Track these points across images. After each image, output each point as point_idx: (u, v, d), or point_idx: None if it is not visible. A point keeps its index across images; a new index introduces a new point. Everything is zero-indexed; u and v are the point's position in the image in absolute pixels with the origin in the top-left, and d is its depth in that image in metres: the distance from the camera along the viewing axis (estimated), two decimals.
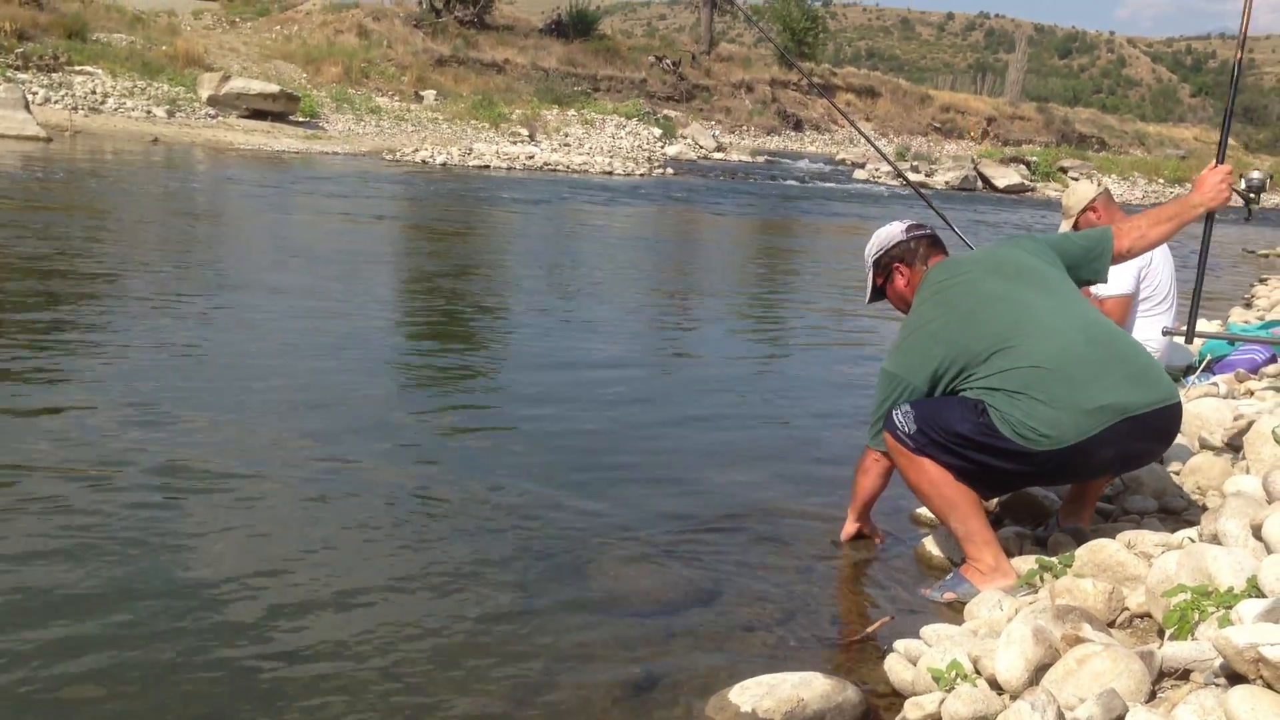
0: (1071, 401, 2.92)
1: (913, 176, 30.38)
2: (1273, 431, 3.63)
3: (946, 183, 29.62)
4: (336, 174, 17.35)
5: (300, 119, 25.01)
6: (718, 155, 33.21)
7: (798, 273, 11.77)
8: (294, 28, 34.99)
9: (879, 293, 3.58)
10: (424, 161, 21.58)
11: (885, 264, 3.52)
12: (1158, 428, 3.05)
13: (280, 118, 24.34)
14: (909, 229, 3.53)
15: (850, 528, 3.57)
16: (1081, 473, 3.23)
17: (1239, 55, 4.29)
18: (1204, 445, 4.17)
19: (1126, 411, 2.93)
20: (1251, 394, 4.91)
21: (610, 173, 23.65)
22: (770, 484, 4.19)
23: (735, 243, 14.63)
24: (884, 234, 3.55)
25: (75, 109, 21.68)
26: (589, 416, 4.93)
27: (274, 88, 24.78)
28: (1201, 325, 6.81)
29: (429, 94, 31.59)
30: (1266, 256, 16.68)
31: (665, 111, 37.86)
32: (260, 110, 24.08)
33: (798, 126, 44.77)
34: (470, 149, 23.81)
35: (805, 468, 4.46)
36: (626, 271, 10.30)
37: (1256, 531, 2.76)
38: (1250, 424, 3.94)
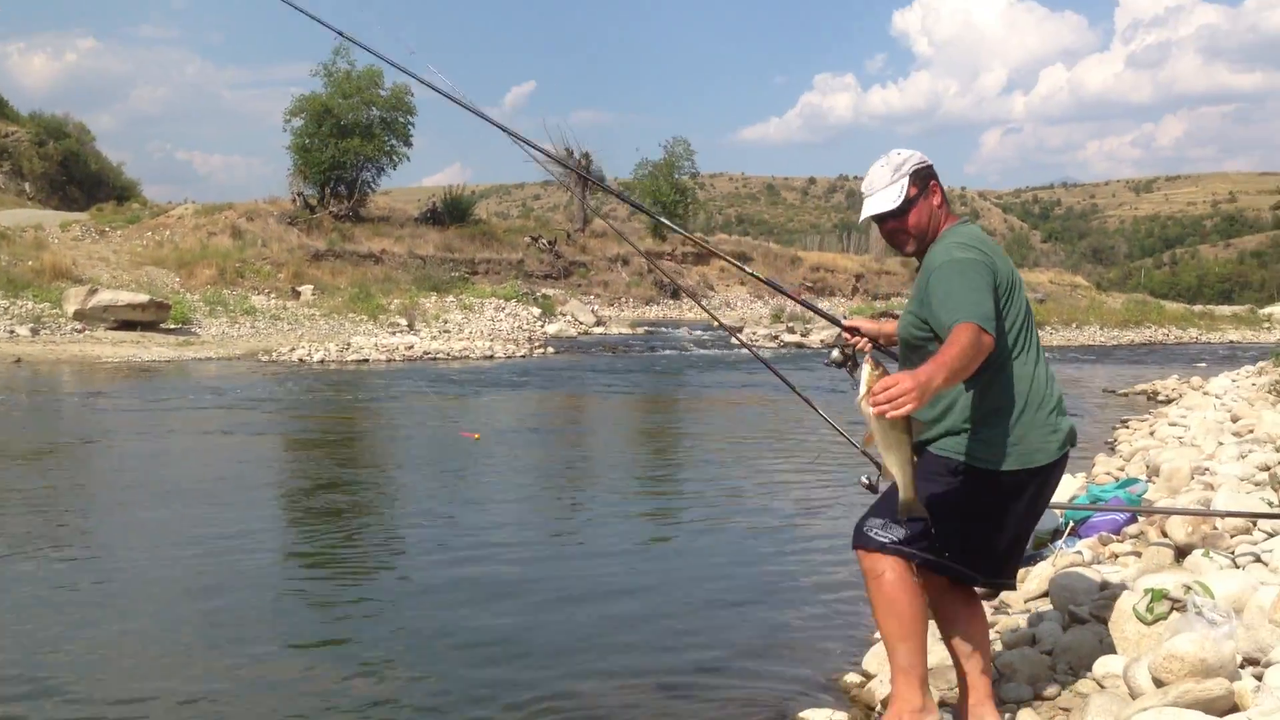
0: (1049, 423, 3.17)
1: (789, 337, 31.16)
2: (1134, 609, 3.67)
3: (822, 340, 30.36)
4: (210, 382, 17.03)
5: (172, 326, 24.66)
6: (598, 330, 33.63)
7: (684, 454, 11.81)
8: (166, 233, 34.81)
9: (908, 205, 3.23)
10: (301, 360, 21.37)
11: (925, 176, 3.27)
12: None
13: (151, 326, 23.96)
14: None
15: None
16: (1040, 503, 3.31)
17: None
18: (1073, 618, 4.20)
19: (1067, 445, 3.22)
20: (1116, 557, 5.01)
21: (491, 356, 23.73)
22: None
23: (620, 425, 14.68)
24: (905, 150, 3.30)
25: None
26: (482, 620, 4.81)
27: (143, 297, 24.46)
28: (1062, 483, 6.99)
29: (306, 289, 31.54)
30: (1127, 395, 17.31)
31: (544, 290, 38.37)
32: (129, 321, 23.69)
33: (675, 295, 45.76)
34: (348, 343, 23.70)
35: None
36: (510, 465, 10.19)
37: None
38: (1115, 597, 3.99)
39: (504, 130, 4.88)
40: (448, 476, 9.37)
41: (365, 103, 39.20)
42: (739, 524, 7.53)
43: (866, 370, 2.84)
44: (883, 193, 3.24)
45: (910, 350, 3.28)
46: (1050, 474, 3.23)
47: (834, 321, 4.05)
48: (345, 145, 38.06)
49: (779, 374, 4.78)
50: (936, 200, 3.27)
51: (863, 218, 3.32)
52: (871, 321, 3.89)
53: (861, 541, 3.25)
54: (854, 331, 3.81)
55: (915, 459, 3.01)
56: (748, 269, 5.01)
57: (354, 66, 38.72)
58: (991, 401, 3.14)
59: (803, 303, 4.89)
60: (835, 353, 3.95)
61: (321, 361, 21.37)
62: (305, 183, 39.05)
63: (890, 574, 3.16)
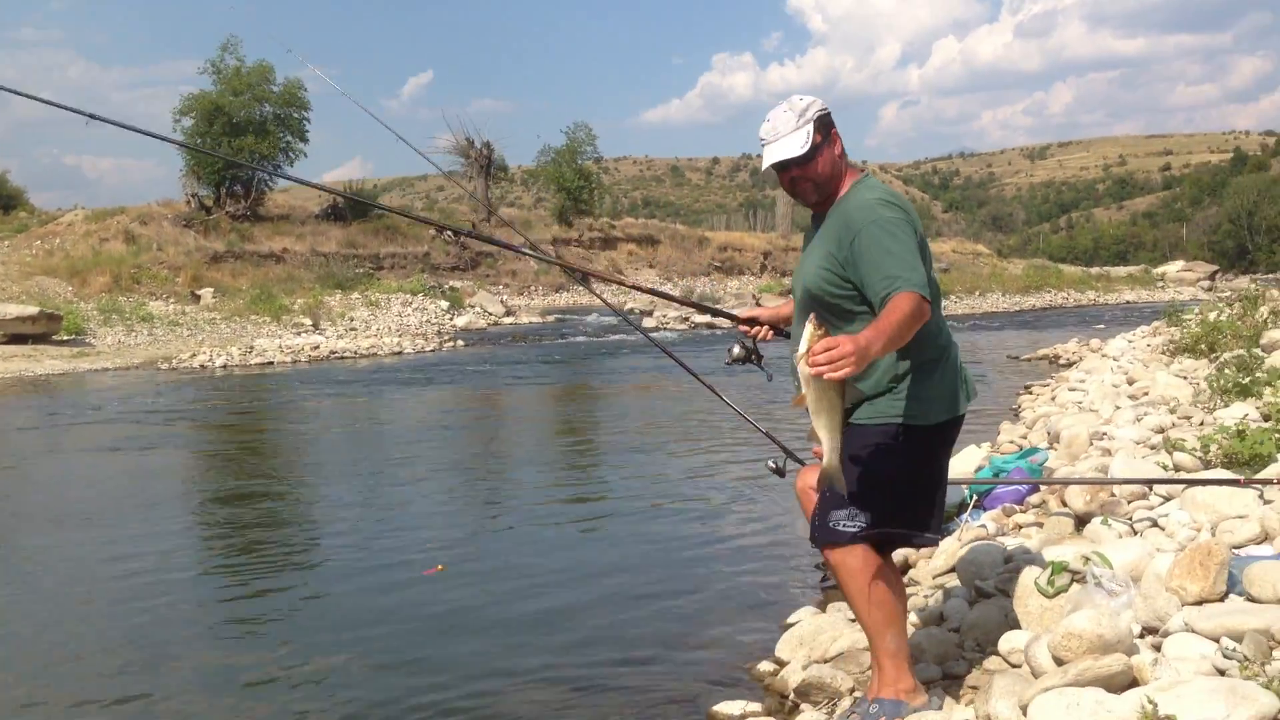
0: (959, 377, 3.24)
1: (699, 318, 31.26)
2: (1035, 583, 3.72)
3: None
4: (107, 393, 16.54)
5: (65, 337, 23.91)
6: (508, 320, 33.42)
7: (597, 445, 11.77)
8: (56, 241, 33.71)
9: (814, 152, 3.11)
10: (202, 366, 20.88)
11: (827, 123, 3.16)
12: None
13: (43, 339, 23.20)
14: None
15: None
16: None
17: None
18: (980, 593, 4.24)
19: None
20: (1019, 529, 5.08)
21: (400, 352, 23.43)
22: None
23: (533, 417, 14.58)
24: (804, 98, 3.19)
25: None
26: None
27: (32, 309, 23.66)
28: (964, 455, 7.11)
29: (206, 292, 30.81)
30: (1030, 361, 17.67)
31: (451, 283, 38.01)
32: (19, 334, 22.88)
33: (584, 280, 45.63)
34: (251, 347, 23.20)
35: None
36: (423, 465, 10.03)
37: (1024, 709, 2.79)
38: (1019, 571, 4.04)
39: (385, 125, 4.76)
40: (359, 481, 9.19)
41: (257, 99, 38.37)
42: (654, 514, 7.51)
43: (809, 329, 2.74)
44: (787, 139, 3.11)
45: (815, 303, 3.12)
46: (962, 418, 3.30)
47: (728, 317, 3.90)
48: (239, 143, 37.17)
49: (680, 362, 4.73)
50: (838, 149, 3.19)
51: (766, 165, 3.16)
52: (768, 308, 3.82)
53: (830, 537, 3.15)
54: (752, 322, 3.74)
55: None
56: (627, 282, 4.94)
57: (243, 63, 37.89)
58: (918, 357, 3.12)
59: (695, 304, 4.80)
60: (736, 349, 3.87)
61: (224, 366, 20.90)
62: (199, 183, 38.09)
63: (862, 563, 3.12)
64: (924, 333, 3.03)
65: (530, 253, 4.84)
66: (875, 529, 3.12)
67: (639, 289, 4.70)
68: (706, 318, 30.83)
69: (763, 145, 3.18)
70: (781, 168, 3.16)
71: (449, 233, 41.99)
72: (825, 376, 2.62)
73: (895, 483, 3.14)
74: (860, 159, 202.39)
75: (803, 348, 2.74)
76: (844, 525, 3.12)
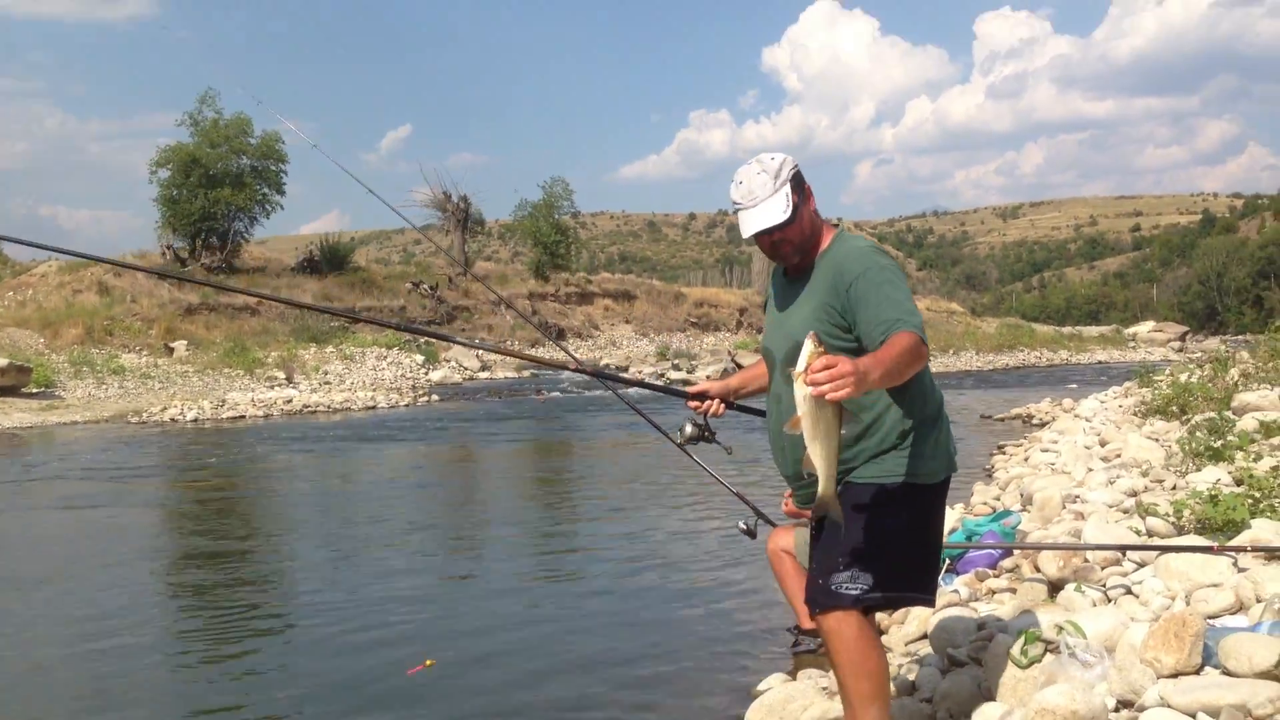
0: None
1: (674, 374, 31.26)
2: (1009, 652, 3.66)
3: (708, 376, 30.55)
4: (76, 447, 16.33)
5: (34, 390, 23.62)
6: (483, 375, 33.32)
7: (570, 503, 11.68)
8: (29, 292, 33.49)
9: (795, 213, 3.06)
10: (173, 420, 20.65)
11: (801, 180, 3.11)
12: None
13: (11, 391, 22.89)
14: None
15: None
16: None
17: None
18: (952, 661, 4.18)
19: None
20: (992, 594, 5.03)
21: (373, 407, 23.30)
22: None
23: (506, 474, 14.47)
24: (775, 154, 3.12)
25: None
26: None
27: (1, 361, 23.39)
28: None
29: (179, 345, 30.58)
30: (1003, 420, 17.72)
31: (427, 337, 37.93)
32: None
33: (560, 336, 45.64)
34: (223, 400, 22.98)
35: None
36: (393, 523, 9.89)
37: None
38: (991, 638, 3.98)
39: (355, 178, 4.73)
40: (328, 542, 9.05)
41: (235, 151, 38.42)
42: (622, 575, 7.42)
43: (809, 346, 2.64)
44: (767, 204, 3.03)
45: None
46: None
47: (677, 394, 3.76)
48: (215, 195, 37.18)
49: (651, 420, 4.68)
50: (813, 205, 3.14)
51: (749, 233, 3.06)
52: (718, 382, 3.70)
53: (831, 601, 3.00)
54: (702, 397, 3.64)
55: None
56: (570, 365, 4.88)
57: (221, 115, 37.97)
58: (919, 413, 3.07)
59: (642, 383, 4.72)
60: (688, 428, 3.75)
61: (195, 420, 20.68)
62: (175, 235, 38.04)
63: (858, 631, 3.00)
64: (923, 388, 3.03)
65: (578, 367, 4.81)
66: (878, 592, 3.02)
67: (571, 367, 4.66)
68: (681, 374, 30.94)
69: (736, 209, 3.10)
70: (764, 233, 3.09)
71: (424, 286, 42.06)
72: (826, 397, 2.54)
73: (902, 543, 3.07)
74: (836, 216, 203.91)
75: (801, 365, 2.64)
76: (846, 588, 2.99)
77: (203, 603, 6.99)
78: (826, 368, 2.53)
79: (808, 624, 4.70)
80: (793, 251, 3.13)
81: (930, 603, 3.33)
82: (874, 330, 2.91)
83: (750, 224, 3.06)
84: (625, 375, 4.33)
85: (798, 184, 3.08)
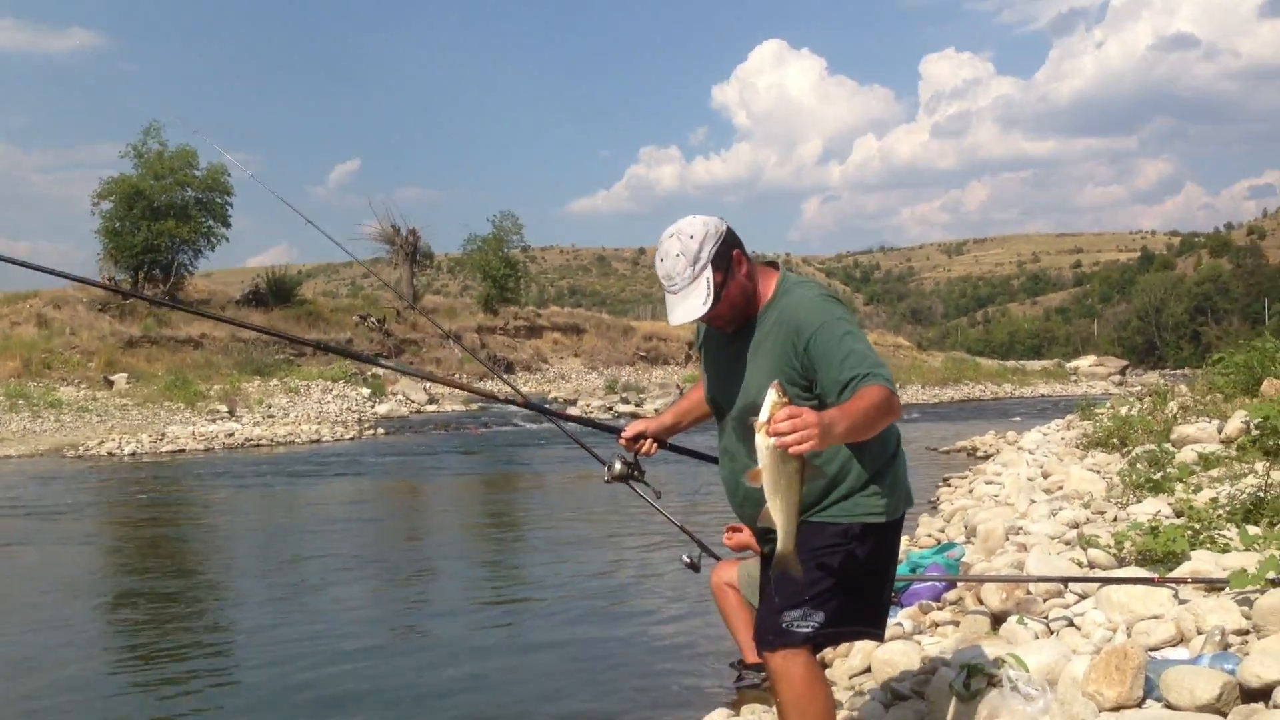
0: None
1: (624, 408, 31.22)
2: (951, 686, 3.64)
3: (655, 410, 30.54)
4: (10, 482, 15.92)
5: None
6: (431, 408, 33.06)
7: (517, 540, 11.56)
8: None
9: (719, 295, 2.92)
10: (110, 454, 20.24)
11: (725, 253, 2.94)
12: None
13: None
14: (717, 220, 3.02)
15: None
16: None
17: None
18: (895, 695, 4.14)
19: None
20: (936, 627, 5.01)
21: (318, 440, 23.01)
22: None
23: (452, 510, 14.31)
24: (696, 225, 2.95)
25: None
26: None
27: None
28: None
29: (120, 378, 30.05)
30: (949, 453, 17.85)
31: (374, 370, 37.57)
32: None
33: (509, 369, 45.44)
34: (163, 434, 22.58)
35: None
36: (333, 560, 9.72)
37: None
38: (934, 672, 3.96)
39: (293, 208, 4.65)
40: (270, 580, 8.86)
41: (179, 183, 37.98)
42: (566, 610, 7.32)
43: (772, 396, 2.53)
44: (687, 293, 2.91)
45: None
46: None
47: (611, 431, 3.61)
48: (159, 227, 36.73)
49: (594, 454, 4.60)
50: (744, 270, 2.98)
51: (673, 323, 2.95)
52: (655, 419, 3.59)
53: (784, 639, 2.91)
54: (639, 437, 3.51)
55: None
56: (509, 398, 4.82)
57: (166, 147, 37.56)
58: (883, 452, 3.03)
59: (575, 419, 4.59)
60: (617, 465, 3.60)
61: (133, 454, 20.28)
62: (117, 267, 37.46)
63: (806, 669, 2.92)
64: (886, 430, 2.95)
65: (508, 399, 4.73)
66: (830, 628, 2.96)
67: (499, 397, 4.60)
68: (630, 407, 30.92)
69: (664, 290, 2.98)
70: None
71: (371, 319, 41.78)
72: (789, 450, 2.45)
73: (857, 580, 3.00)
74: (785, 251, 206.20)
75: (764, 416, 2.53)
76: (797, 625, 2.92)
77: (134, 645, 6.80)
78: (790, 418, 2.45)
79: (752, 658, 4.66)
80: (726, 324, 3.05)
81: (880, 637, 3.29)
82: (841, 386, 2.81)
83: (673, 314, 2.96)
84: (553, 408, 4.25)
85: (721, 261, 2.93)
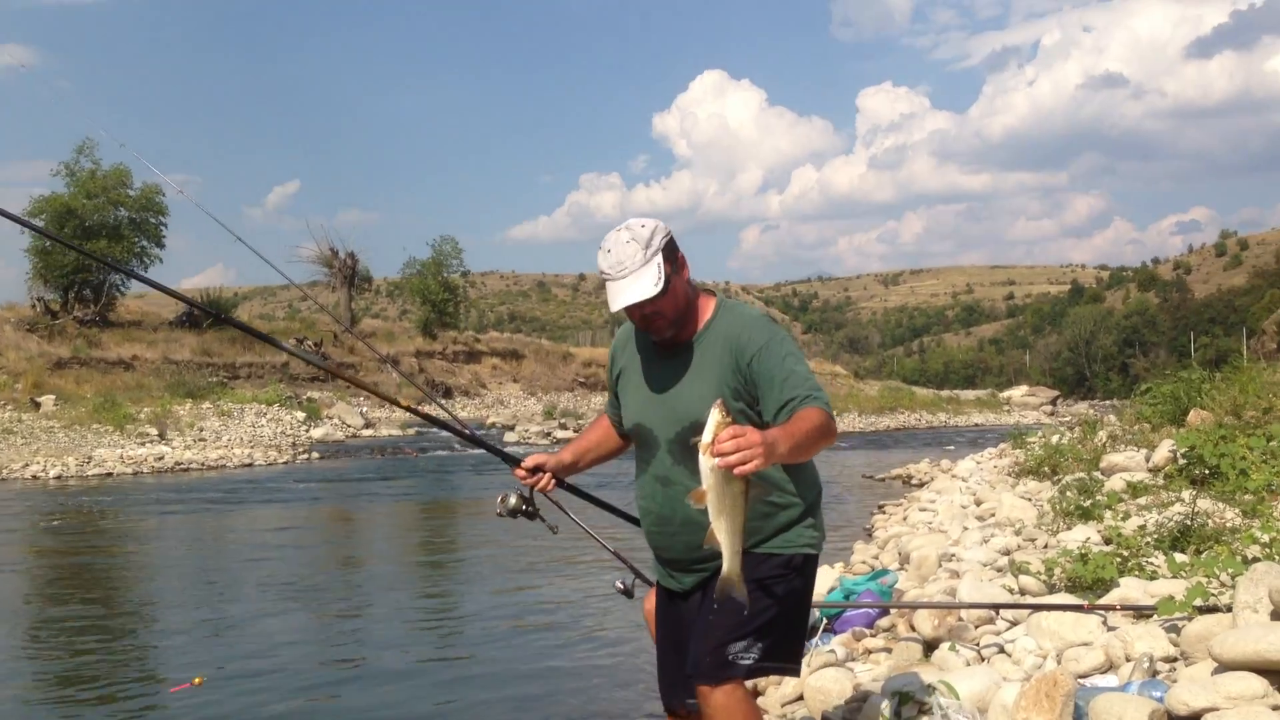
0: None
1: (562, 434, 31.08)
2: (882, 714, 3.63)
3: None
4: None
5: None
6: (367, 432, 32.72)
7: (453, 567, 11.43)
8: None
9: (668, 284, 2.87)
10: (34, 477, 19.75)
11: (674, 249, 2.92)
12: None
13: None
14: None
15: None
16: None
17: None
18: None
19: None
20: (869, 654, 5.01)
21: (250, 464, 22.65)
22: None
23: (381, 536, 14.11)
24: (645, 220, 2.93)
25: None
26: None
27: None
28: (819, 575, 7.10)
29: (47, 399, 29.34)
30: (884, 480, 17.99)
31: (310, 393, 37.14)
32: None
33: (447, 394, 45.12)
34: (90, 457, 22.08)
35: None
36: (268, 589, 9.53)
37: None
38: (866, 700, 3.95)
39: (225, 227, 4.55)
40: (198, 609, 8.64)
41: (112, 203, 37.36)
42: (498, 638, 7.24)
43: (716, 416, 2.47)
44: (638, 274, 2.83)
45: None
46: None
47: (509, 461, 3.43)
48: (91, 247, 36.00)
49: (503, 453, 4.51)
50: (686, 274, 2.96)
51: (618, 306, 2.87)
52: (554, 456, 3.38)
53: (728, 671, 2.82)
54: (537, 469, 3.31)
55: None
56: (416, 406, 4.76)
57: (99, 165, 36.95)
58: (813, 484, 3.03)
59: (478, 441, 4.31)
60: (512, 499, 3.44)
61: (59, 478, 19.81)
62: (46, 287, 36.70)
63: (743, 702, 2.84)
64: (814, 462, 2.96)
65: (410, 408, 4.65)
66: (766, 661, 2.90)
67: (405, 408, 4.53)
68: (569, 433, 30.79)
69: (605, 279, 2.93)
70: (635, 305, 2.88)
71: (308, 342, 41.29)
72: (734, 470, 2.41)
73: (795, 612, 2.99)
74: (724, 280, 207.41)
75: (707, 436, 2.48)
76: (741, 658, 2.84)
77: (51, 674, 6.59)
78: (734, 438, 2.41)
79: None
80: (667, 325, 2.95)
81: (798, 673, 3.23)
82: (781, 405, 2.80)
83: (620, 296, 2.87)
84: (458, 426, 4.09)
85: (670, 253, 2.89)
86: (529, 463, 3.28)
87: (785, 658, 3.01)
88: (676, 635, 3.11)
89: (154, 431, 27.18)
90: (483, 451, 3.70)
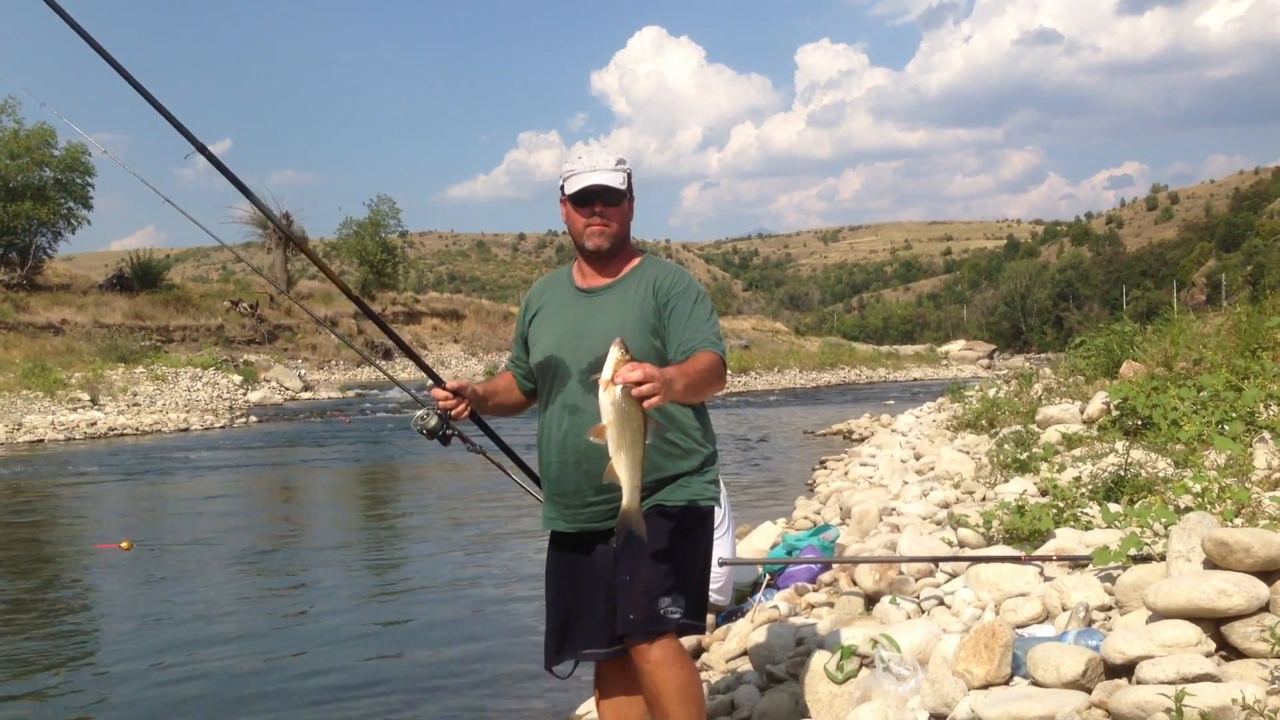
0: None
1: None
2: (824, 668, 3.65)
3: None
4: None
5: None
6: (306, 395, 32.35)
7: (396, 530, 11.34)
8: None
9: (626, 195, 3.09)
10: None
11: (630, 182, 3.12)
12: None
13: None
14: None
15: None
16: None
17: None
18: (771, 678, 4.15)
19: None
20: (811, 608, 5.04)
21: (186, 429, 22.32)
22: None
23: (319, 500, 13.98)
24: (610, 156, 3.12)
25: None
26: None
27: None
28: (760, 531, 7.14)
29: None
30: (825, 435, 18.13)
31: (247, 356, 36.58)
32: None
33: (387, 355, 44.67)
34: (19, 424, 21.61)
35: None
36: (208, 558, 9.39)
37: None
38: (809, 654, 3.97)
39: (151, 186, 4.40)
40: (134, 577, 8.49)
41: (36, 163, 36.34)
42: (442, 598, 7.24)
43: (615, 353, 2.56)
44: (609, 174, 3.03)
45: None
46: None
47: (435, 380, 3.32)
48: (15, 209, 35.14)
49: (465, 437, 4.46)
50: (632, 213, 3.16)
51: (584, 184, 2.99)
52: (480, 384, 3.34)
53: (660, 625, 2.84)
54: (458, 393, 3.20)
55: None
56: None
57: (22, 125, 35.89)
58: (712, 441, 3.12)
59: (410, 354, 4.12)
60: (433, 419, 3.29)
61: None
62: None
63: (678, 654, 2.88)
64: (709, 419, 3.09)
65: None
66: (688, 619, 2.92)
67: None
68: None
69: (573, 175, 3.05)
70: (594, 195, 3.02)
71: (244, 305, 40.64)
72: (643, 402, 2.50)
73: (706, 565, 3.05)
74: (664, 238, 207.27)
75: (608, 373, 2.56)
76: (670, 611, 2.87)
77: None
78: (634, 371, 2.52)
79: None
80: (610, 235, 3.06)
81: (704, 630, 3.21)
82: (683, 345, 2.95)
83: (590, 177, 3.03)
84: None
85: (630, 182, 3.11)
86: (452, 385, 3.22)
87: (701, 614, 3.04)
88: (574, 581, 3.12)
89: (86, 397, 26.61)
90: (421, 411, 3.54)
